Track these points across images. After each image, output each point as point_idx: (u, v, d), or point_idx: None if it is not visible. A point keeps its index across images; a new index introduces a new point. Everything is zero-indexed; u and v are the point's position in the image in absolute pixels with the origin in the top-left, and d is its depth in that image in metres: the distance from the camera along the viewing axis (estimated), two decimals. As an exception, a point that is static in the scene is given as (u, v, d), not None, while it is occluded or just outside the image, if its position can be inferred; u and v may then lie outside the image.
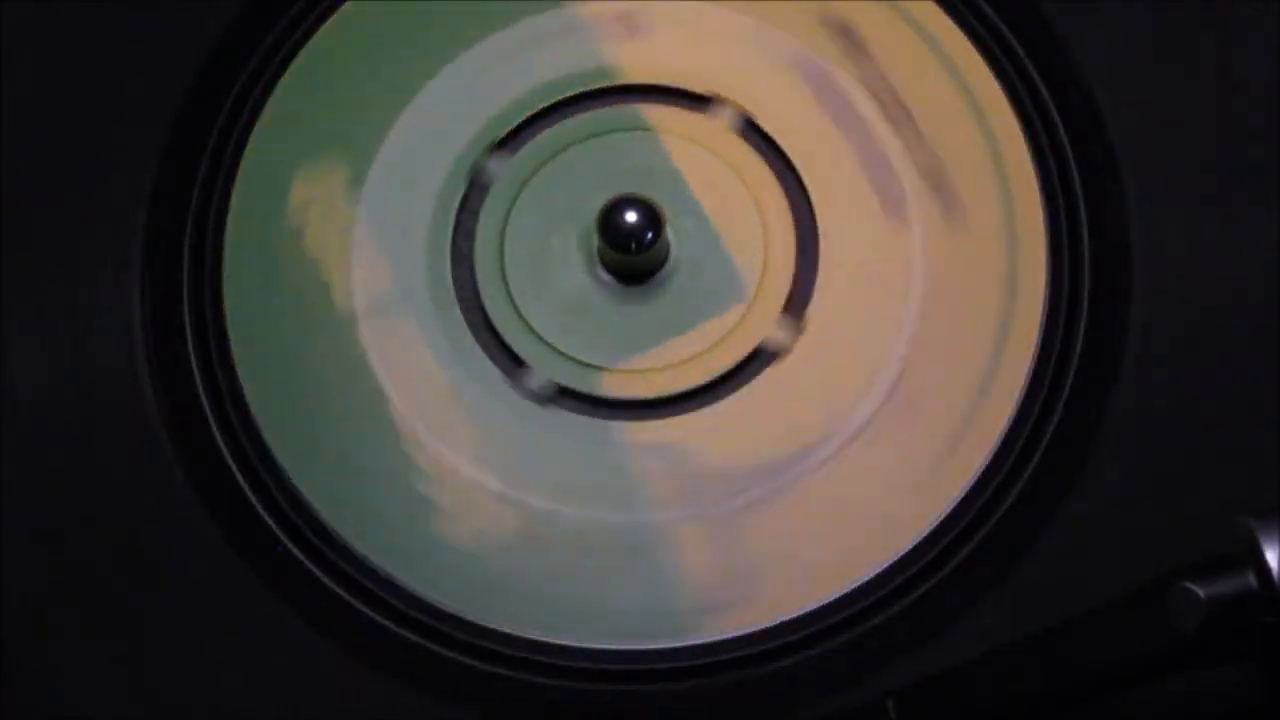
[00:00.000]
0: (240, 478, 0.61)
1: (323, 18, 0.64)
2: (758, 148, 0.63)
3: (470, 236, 0.62)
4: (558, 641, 0.60)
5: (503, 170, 0.63)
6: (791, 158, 0.63)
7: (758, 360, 0.61)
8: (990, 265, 0.62)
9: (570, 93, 0.63)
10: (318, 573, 0.60)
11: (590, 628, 0.59)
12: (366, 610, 0.60)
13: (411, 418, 0.61)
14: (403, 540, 0.60)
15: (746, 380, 0.61)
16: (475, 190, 0.63)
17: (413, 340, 0.61)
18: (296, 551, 0.60)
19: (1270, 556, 0.49)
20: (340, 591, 0.60)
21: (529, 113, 0.63)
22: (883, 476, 0.60)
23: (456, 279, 0.62)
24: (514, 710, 0.59)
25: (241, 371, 0.61)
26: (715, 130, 0.63)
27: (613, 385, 0.61)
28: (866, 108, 0.63)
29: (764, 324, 0.61)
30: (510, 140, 0.63)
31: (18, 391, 0.61)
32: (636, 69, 0.63)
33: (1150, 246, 0.61)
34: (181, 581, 0.60)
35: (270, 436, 0.61)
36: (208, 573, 0.60)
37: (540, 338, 0.62)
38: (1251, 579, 0.49)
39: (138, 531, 0.60)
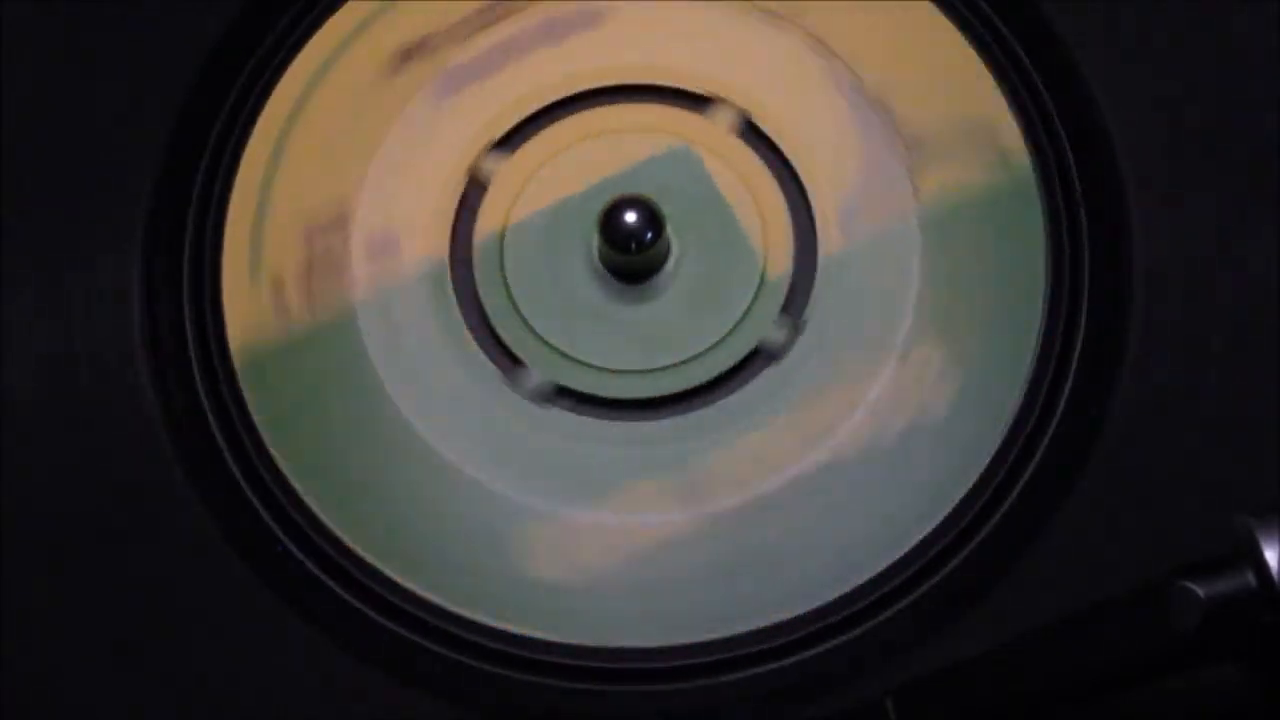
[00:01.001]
0: (240, 478, 0.61)
1: (322, 18, 0.64)
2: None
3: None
4: (559, 640, 0.60)
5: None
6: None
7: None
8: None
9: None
10: (318, 573, 0.60)
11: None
12: (370, 611, 0.60)
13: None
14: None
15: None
16: (473, 189, 0.63)
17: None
18: (296, 551, 0.60)
19: (1269, 555, 0.49)
20: (341, 592, 0.60)
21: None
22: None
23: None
24: (515, 710, 0.59)
25: (241, 374, 0.61)
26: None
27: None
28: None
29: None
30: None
31: (17, 391, 0.61)
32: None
33: (1150, 246, 0.61)
34: (181, 581, 0.59)
35: (270, 437, 0.61)
36: (208, 573, 0.59)
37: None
38: (1250, 578, 0.49)
39: (138, 531, 0.60)
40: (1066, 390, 0.61)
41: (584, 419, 0.61)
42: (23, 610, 0.59)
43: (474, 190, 0.63)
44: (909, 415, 0.61)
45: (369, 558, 0.60)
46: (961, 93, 0.63)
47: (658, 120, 0.63)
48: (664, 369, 0.61)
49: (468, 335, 0.62)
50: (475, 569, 0.60)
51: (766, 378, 0.61)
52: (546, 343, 0.61)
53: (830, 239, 0.62)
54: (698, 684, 0.59)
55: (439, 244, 0.62)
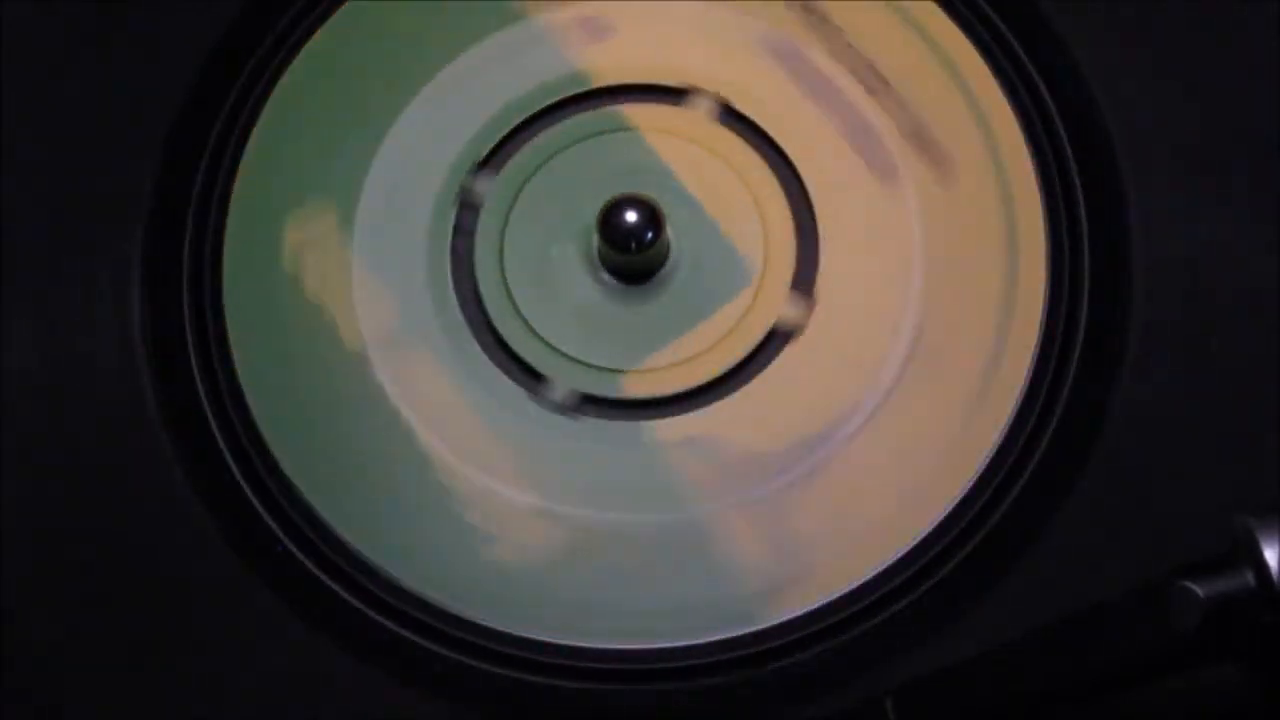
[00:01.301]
0: (240, 478, 0.61)
1: (321, 19, 0.64)
2: (740, 133, 0.63)
3: (469, 259, 0.62)
4: (562, 642, 0.60)
5: (490, 188, 0.63)
6: (774, 137, 0.63)
7: (775, 341, 0.61)
8: (988, 222, 0.62)
9: (546, 103, 0.63)
10: (318, 573, 0.60)
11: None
12: (370, 611, 0.60)
13: (440, 446, 0.61)
14: (448, 567, 0.60)
15: (767, 362, 0.61)
16: (466, 212, 0.63)
17: (428, 370, 0.61)
18: (296, 551, 0.60)
19: (1269, 555, 0.49)
20: (341, 592, 0.60)
21: (508, 128, 0.63)
22: (915, 438, 0.60)
23: (462, 303, 0.62)
24: (527, 713, 0.60)
25: (259, 418, 0.61)
26: (696, 121, 0.63)
27: (635, 386, 0.61)
28: (842, 79, 0.63)
29: (775, 304, 0.61)
30: (493, 158, 0.63)
31: (18, 391, 0.61)
32: (609, 70, 0.63)
33: (1150, 245, 0.61)
34: (181, 581, 0.59)
35: (270, 437, 0.61)
36: (208, 573, 0.60)
37: (556, 349, 0.61)
38: (1250, 578, 0.49)
39: (138, 531, 0.60)
40: (1066, 390, 0.61)
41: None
42: (23, 610, 0.59)
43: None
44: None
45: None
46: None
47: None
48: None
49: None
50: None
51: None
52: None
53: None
54: (698, 684, 0.59)
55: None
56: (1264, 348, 0.60)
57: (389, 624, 0.60)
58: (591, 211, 0.61)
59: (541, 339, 0.61)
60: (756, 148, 0.63)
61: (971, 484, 0.60)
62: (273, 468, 0.61)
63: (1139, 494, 0.59)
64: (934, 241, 0.62)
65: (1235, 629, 0.49)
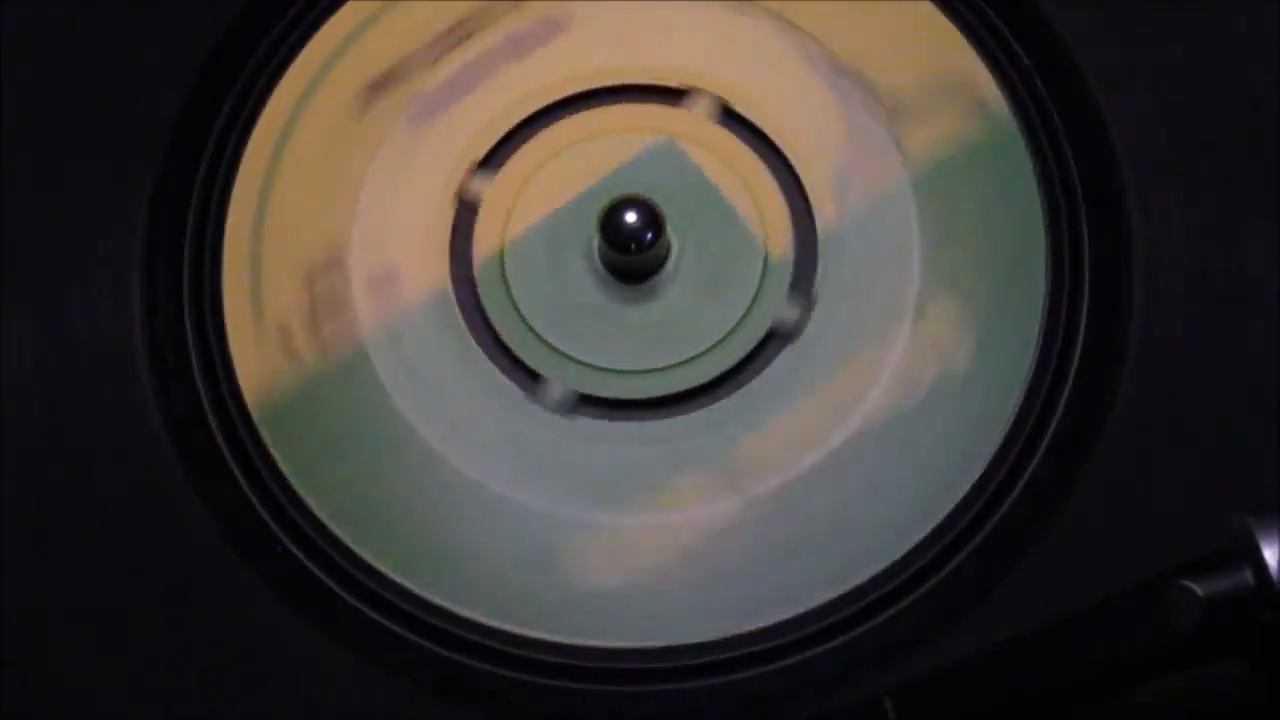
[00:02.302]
0: (240, 478, 0.61)
1: (322, 18, 0.64)
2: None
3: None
4: (562, 641, 0.60)
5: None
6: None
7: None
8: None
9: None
10: (318, 572, 0.60)
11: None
12: (370, 611, 0.60)
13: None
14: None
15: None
16: (464, 212, 0.63)
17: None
18: (296, 551, 0.60)
19: (1268, 554, 0.49)
20: (341, 592, 0.60)
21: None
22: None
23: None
24: (527, 714, 0.60)
25: (261, 425, 0.61)
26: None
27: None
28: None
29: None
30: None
31: (17, 391, 0.61)
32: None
33: (1150, 245, 0.61)
34: (181, 581, 0.60)
35: (271, 438, 0.61)
36: (208, 573, 0.60)
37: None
38: (1249, 576, 0.49)
39: (138, 531, 0.60)
40: (1066, 390, 0.61)
41: (614, 423, 0.61)
42: (23, 610, 0.59)
43: (465, 214, 0.63)
44: (932, 375, 0.61)
45: (378, 563, 0.60)
46: (937, 53, 0.63)
47: (637, 119, 0.63)
48: (684, 363, 0.61)
49: (482, 356, 0.62)
50: (519, 583, 0.60)
51: (786, 357, 0.61)
52: (562, 353, 0.61)
53: (826, 211, 0.62)
54: (699, 684, 0.59)
55: (439, 273, 0.62)
56: (1264, 348, 0.60)
57: (389, 624, 0.60)
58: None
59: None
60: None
61: (972, 484, 0.60)
62: (273, 468, 0.61)
63: (1139, 494, 0.59)
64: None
65: (1234, 628, 0.49)
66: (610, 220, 0.60)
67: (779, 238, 0.62)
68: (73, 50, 0.63)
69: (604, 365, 0.61)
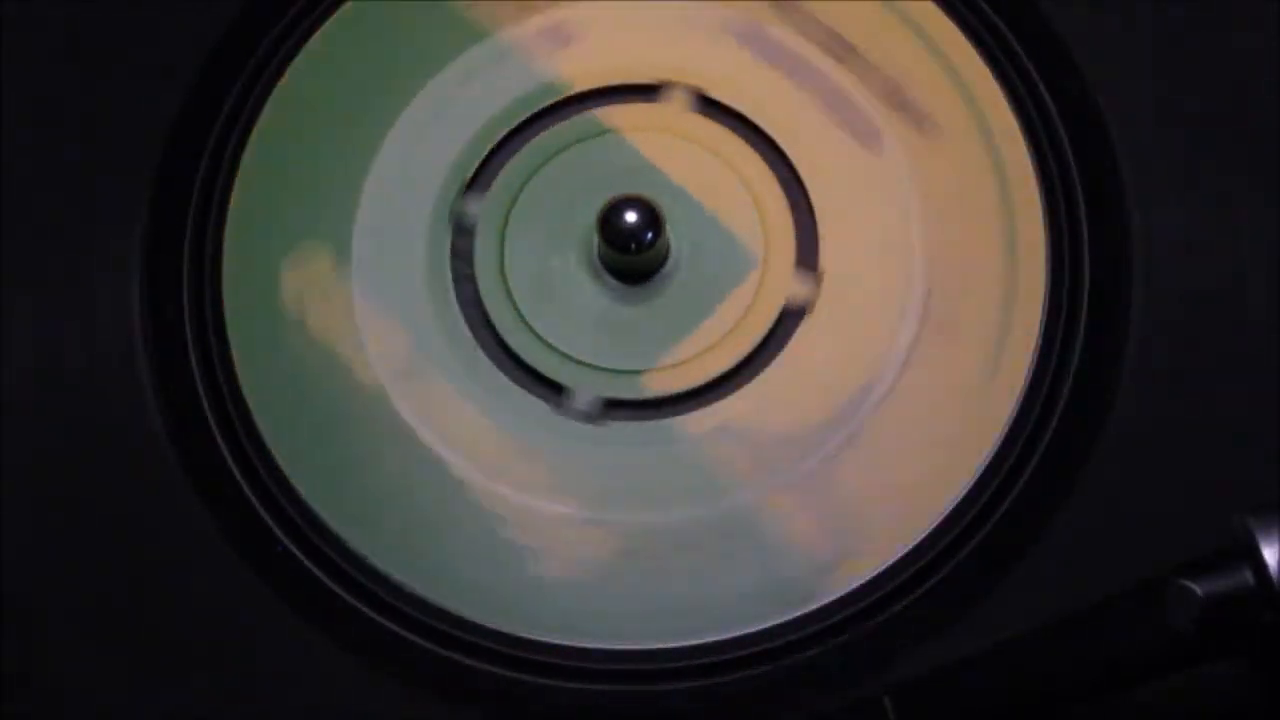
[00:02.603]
0: (240, 478, 0.61)
1: (321, 20, 0.64)
2: (719, 120, 0.63)
3: (471, 280, 0.62)
4: (563, 642, 0.60)
5: (482, 208, 0.63)
6: (754, 119, 0.63)
7: (788, 320, 0.61)
8: (988, 222, 0.62)
9: (523, 117, 0.63)
10: (318, 573, 0.60)
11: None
12: (370, 611, 0.60)
13: (473, 472, 0.61)
14: (503, 589, 0.60)
15: (783, 343, 0.61)
16: (461, 235, 0.63)
17: (448, 397, 0.61)
18: (296, 551, 0.60)
19: (1267, 554, 0.49)
20: (341, 592, 0.60)
21: (490, 146, 0.63)
22: (917, 436, 0.60)
23: (470, 325, 0.62)
24: (527, 713, 0.60)
25: (259, 418, 0.61)
26: (673, 114, 0.63)
27: (658, 383, 0.61)
28: (812, 54, 0.63)
29: (782, 284, 0.61)
30: (479, 177, 0.63)
31: (18, 391, 0.61)
32: (580, 76, 0.63)
33: (1150, 245, 0.61)
34: (181, 581, 0.59)
35: (271, 438, 0.61)
36: (208, 573, 0.60)
37: (572, 358, 0.61)
38: (1248, 576, 0.49)
39: (138, 531, 0.60)
40: (1066, 390, 0.61)
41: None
42: (24, 610, 0.59)
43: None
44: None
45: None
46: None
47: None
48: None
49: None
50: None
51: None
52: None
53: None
54: (697, 684, 0.59)
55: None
56: (1263, 348, 0.60)
57: (389, 624, 0.60)
58: (586, 217, 0.61)
59: (557, 350, 0.61)
60: (738, 132, 0.63)
61: (972, 484, 0.60)
62: (273, 467, 0.61)
63: (1139, 494, 0.59)
64: (936, 257, 0.62)
65: (1234, 627, 0.49)
66: (610, 221, 0.60)
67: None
68: (73, 50, 0.63)
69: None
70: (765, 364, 0.61)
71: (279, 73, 0.63)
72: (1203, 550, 0.51)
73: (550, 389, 0.61)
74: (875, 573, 0.59)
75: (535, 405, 0.61)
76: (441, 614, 0.60)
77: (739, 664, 0.59)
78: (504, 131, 0.63)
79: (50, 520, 0.60)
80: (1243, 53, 0.62)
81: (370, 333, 0.62)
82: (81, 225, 0.62)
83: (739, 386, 0.61)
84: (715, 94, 0.63)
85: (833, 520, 0.60)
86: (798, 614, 0.59)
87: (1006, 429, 0.60)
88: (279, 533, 0.60)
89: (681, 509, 0.60)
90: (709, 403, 0.61)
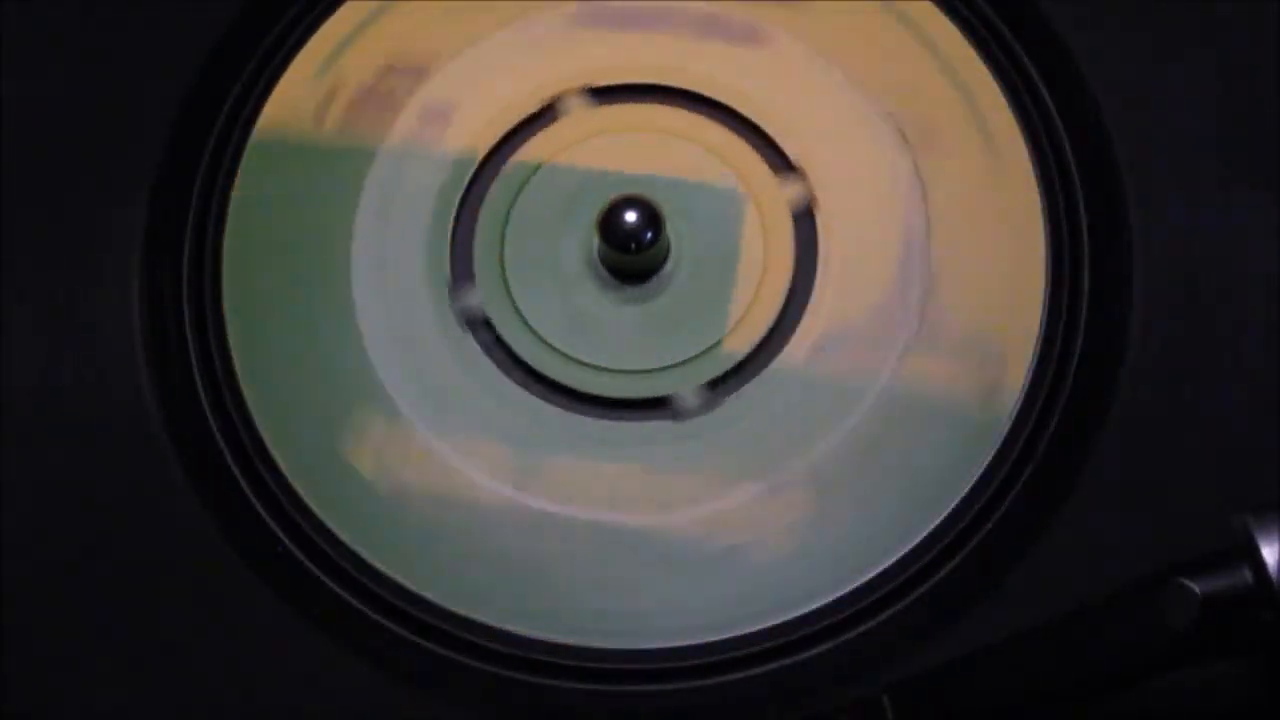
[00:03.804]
0: (240, 478, 0.61)
1: (321, 18, 0.64)
2: (623, 100, 0.63)
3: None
4: (562, 642, 0.60)
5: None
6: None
7: (804, 226, 0.62)
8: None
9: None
10: (318, 573, 0.60)
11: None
12: (371, 611, 0.60)
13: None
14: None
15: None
16: (464, 217, 0.63)
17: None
18: (296, 551, 0.60)
19: (1267, 554, 0.49)
20: (341, 592, 0.60)
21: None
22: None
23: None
24: (528, 713, 0.60)
25: (259, 418, 0.61)
26: (581, 118, 0.63)
27: (737, 343, 0.61)
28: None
29: (777, 200, 0.62)
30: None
31: (18, 392, 0.61)
32: (478, 136, 0.63)
33: (1150, 245, 0.61)
34: (181, 581, 0.60)
35: (271, 438, 0.61)
36: (208, 573, 0.60)
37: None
38: (1248, 576, 0.49)
39: (138, 531, 0.60)
40: (1067, 390, 0.61)
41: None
42: (24, 610, 0.59)
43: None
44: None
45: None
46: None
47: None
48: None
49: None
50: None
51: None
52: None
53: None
54: (697, 684, 0.59)
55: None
56: (1264, 348, 0.60)
57: (389, 624, 0.60)
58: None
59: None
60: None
61: (972, 484, 0.60)
62: (273, 467, 0.61)
63: (1139, 494, 0.59)
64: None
65: (1233, 627, 0.49)
66: (610, 221, 0.60)
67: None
68: (73, 50, 0.63)
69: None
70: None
71: (279, 73, 0.64)
72: (1202, 550, 0.51)
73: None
74: (875, 573, 0.59)
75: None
76: (441, 613, 0.60)
77: (739, 664, 0.59)
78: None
79: (50, 521, 0.60)
80: (1243, 53, 0.62)
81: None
82: (81, 225, 0.62)
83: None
84: (603, 81, 0.63)
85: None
86: (797, 614, 0.59)
87: (1006, 429, 0.60)
88: (279, 533, 0.60)
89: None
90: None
